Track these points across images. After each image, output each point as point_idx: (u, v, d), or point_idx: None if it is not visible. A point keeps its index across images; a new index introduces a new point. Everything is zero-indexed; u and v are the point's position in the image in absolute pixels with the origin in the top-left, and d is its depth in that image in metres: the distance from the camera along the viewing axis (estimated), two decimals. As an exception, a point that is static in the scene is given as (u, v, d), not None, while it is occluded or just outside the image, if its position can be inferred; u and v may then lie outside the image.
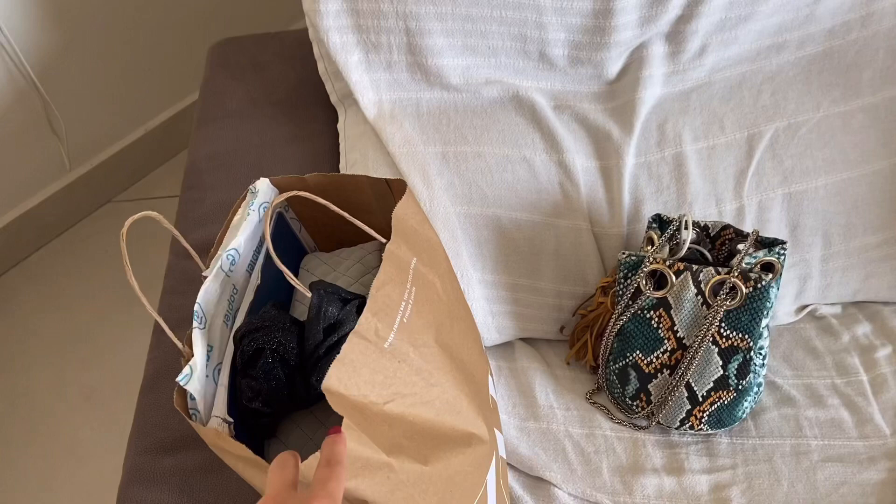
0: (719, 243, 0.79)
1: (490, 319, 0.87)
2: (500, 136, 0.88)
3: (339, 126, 0.96)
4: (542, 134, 0.88)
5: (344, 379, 0.49)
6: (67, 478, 1.33)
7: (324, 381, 0.47)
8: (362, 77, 0.91)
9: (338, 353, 0.49)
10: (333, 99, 0.98)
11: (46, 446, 1.38)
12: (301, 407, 0.60)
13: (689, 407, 0.77)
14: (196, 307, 0.54)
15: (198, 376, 0.52)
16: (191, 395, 0.52)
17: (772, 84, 0.89)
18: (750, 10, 0.86)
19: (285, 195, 0.54)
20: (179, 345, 0.54)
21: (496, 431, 0.66)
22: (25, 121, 1.46)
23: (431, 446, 0.54)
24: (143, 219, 1.69)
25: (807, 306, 0.90)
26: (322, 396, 0.57)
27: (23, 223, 1.57)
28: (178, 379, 0.51)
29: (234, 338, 0.58)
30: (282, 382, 0.56)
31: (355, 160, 0.91)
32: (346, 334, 0.50)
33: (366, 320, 0.51)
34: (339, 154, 0.96)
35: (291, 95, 1.04)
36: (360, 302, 0.55)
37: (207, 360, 0.54)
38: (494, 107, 0.90)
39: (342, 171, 0.93)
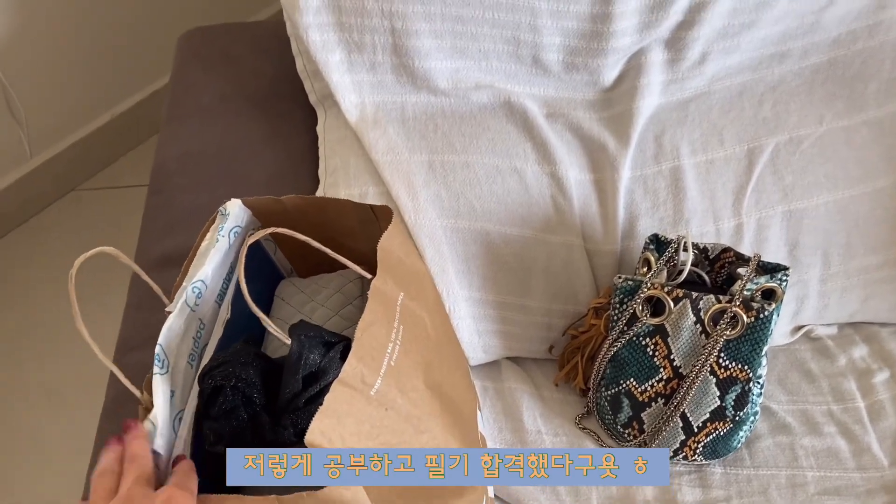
0: (718, 266, 0.76)
1: (476, 338, 0.82)
2: (490, 144, 0.83)
3: (319, 129, 0.90)
4: (533, 143, 0.83)
5: (328, 432, 0.45)
6: (30, 477, 1.28)
7: (307, 435, 0.43)
8: (343, 78, 0.85)
9: (320, 403, 0.44)
10: (312, 99, 0.92)
11: (6, 444, 1.32)
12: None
13: (683, 437, 0.74)
14: (157, 349, 0.49)
15: (161, 431, 0.47)
16: (155, 452, 0.46)
17: (773, 95, 0.85)
18: (754, 17, 0.82)
19: (264, 232, 0.49)
20: (137, 393, 0.49)
21: (485, 473, 0.62)
22: (-18, 106, 1.37)
23: (425, 502, 0.50)
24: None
25: (802, 327, 0.87)
26: (293, 442, 0.52)
27: (-20, 212, 1.49)
28: None
29: (198, 379, 0.53)
30: (245, 423, 0.51)
31: (335, 167, 0.86)
32: (329, 384, 0.46)
33: (351, 367, 0.47)
34: (317, 157, 0.90)
35: (266, 92, 0.98)
36: (344, 346, 0.51)
37: (169, 409, 0.49)
38: (484, 113, 0.85)
39: (321, 178, 0.87)
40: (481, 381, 0.84)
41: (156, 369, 0.48)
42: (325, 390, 0.47)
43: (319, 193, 0.86)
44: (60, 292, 1.50)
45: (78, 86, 1.51)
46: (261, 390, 0.51)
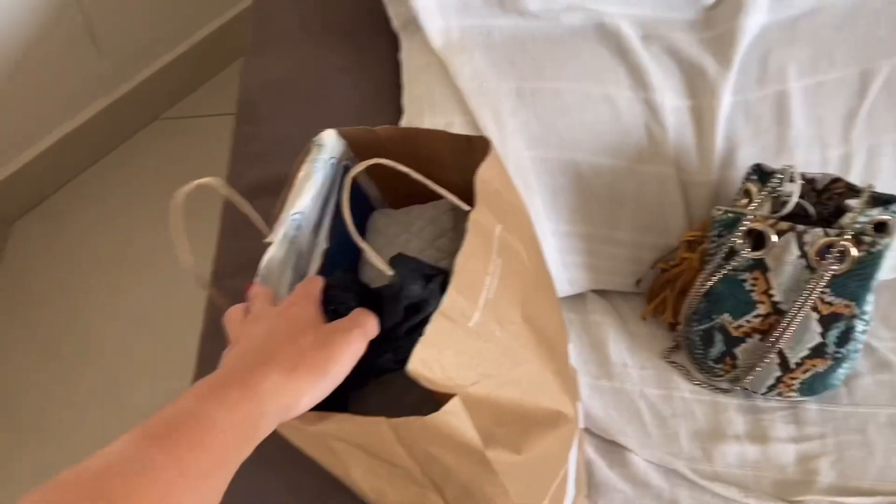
0: (825, 197, 0.72)
1: (562, 271, 0.82)
2: (582, 69, 0.79)
3: (402, 56, 0.89)
4: (627, 68, 0.79)
5: (428, 361, 0.45)
6: (126, 398, 1.36)
7: (409, 364, 0.44)
8: (428, 2, 0.82)
9: (419, 334, 0.45)
10: (395, 25, 0.90)
11: (104, 366, 1.40)
12: (371, 375, 0.57)
13: (779, 373, 0.72)
14: (258, 280, 0.50)
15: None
16: None
17: (891, 10, 0.78)
18: (877, -77, 0.75)
19: (367, 163, 0.48)
20: None
21: (577, 404, 0.62)
22: (67, 37, 1.40)
23: (521, 431, 0.51)
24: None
25: (910, 261, 0.82)
26: (393, 368, 0.53)
27: (71, 141, 1.54)
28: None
29: None
30: None
31: (419, 94, 0.84)
32: (429, 315, 0.46)
33: (451, 299, 0.47)
34: (400, 86, 0.88)
35: (349, 18, 0.96)
36: (443, 278, 0.50)
37: None
38: (576, 37, 0.81)
39: (405, 106, 0.86)
40: (566, 312, 0.83)
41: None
42: (425, 321, 0.47)
43: (403, 123, 0.85)
44: (149, 219, 1.56)
45: (157, 15, 1.52)
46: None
